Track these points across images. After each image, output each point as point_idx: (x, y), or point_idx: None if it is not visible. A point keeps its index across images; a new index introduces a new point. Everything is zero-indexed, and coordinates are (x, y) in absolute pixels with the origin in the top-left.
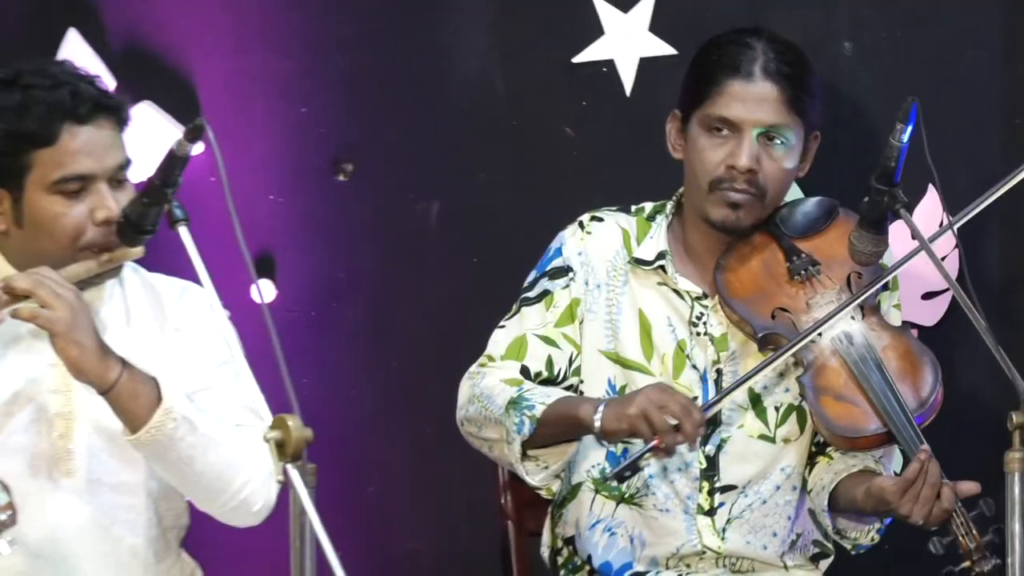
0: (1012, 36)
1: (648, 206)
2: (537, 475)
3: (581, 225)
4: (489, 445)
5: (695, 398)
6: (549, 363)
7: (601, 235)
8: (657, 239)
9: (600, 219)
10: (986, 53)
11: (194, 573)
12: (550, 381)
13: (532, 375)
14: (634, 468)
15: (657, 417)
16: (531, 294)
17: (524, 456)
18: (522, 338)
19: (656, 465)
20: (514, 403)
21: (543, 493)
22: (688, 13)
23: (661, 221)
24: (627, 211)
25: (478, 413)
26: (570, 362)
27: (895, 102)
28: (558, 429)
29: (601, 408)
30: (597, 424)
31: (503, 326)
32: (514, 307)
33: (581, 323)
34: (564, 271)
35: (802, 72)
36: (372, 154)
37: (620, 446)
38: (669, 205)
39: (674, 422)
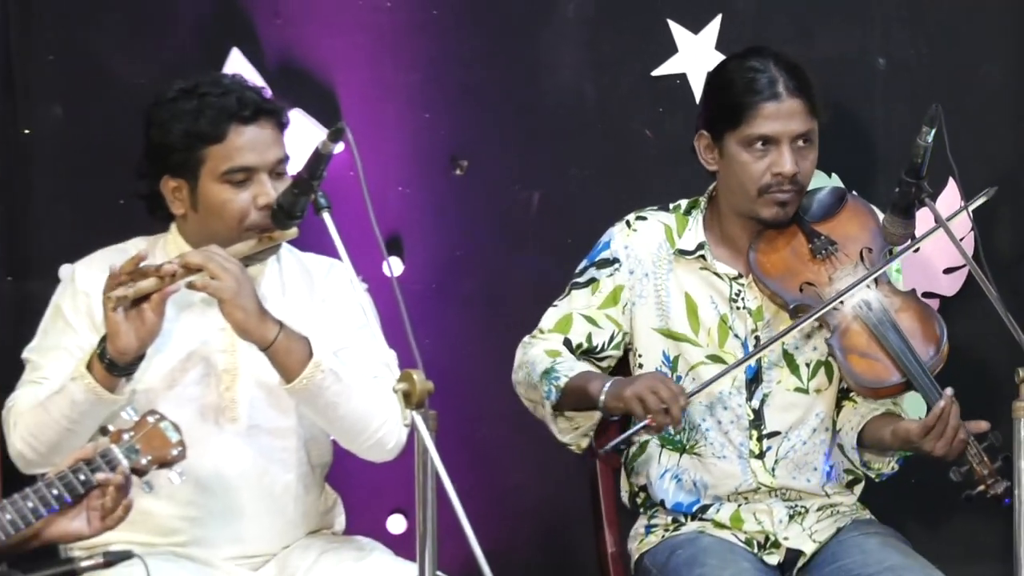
0: (1022, 52)
1: (683, 203)
2: (568, 434)
3: (628, 224)
4: (534, 406)
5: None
6: (589, 338)
7: (645, 232)
8: (695, 231)
9: (644, 218)
10: (999, 67)
11: (336, 502)
12: (590, 351)
13: (573, 346)
14: (628, 442)
15: (650, 399)
16: (580, 280)
17: (556, 416)
18: (569, 316)
19: (711, 420)
20: (546, 373)
21: (573, 448)
22: (748, 34)
23: (697, 215)
24: (666, 209)
25: (525, 378)
26: (611, 338)
27: (921, 108)
28: (576, 399)
29: (607, 387)
30: (601, 400)
31: (555, 305)
32: (567, 289)
33: (626, 307)
34: (610, 262)
35: (810, 83)
36: (484, 152)
37: None
38: (702, 201)
39: (663, 405)
